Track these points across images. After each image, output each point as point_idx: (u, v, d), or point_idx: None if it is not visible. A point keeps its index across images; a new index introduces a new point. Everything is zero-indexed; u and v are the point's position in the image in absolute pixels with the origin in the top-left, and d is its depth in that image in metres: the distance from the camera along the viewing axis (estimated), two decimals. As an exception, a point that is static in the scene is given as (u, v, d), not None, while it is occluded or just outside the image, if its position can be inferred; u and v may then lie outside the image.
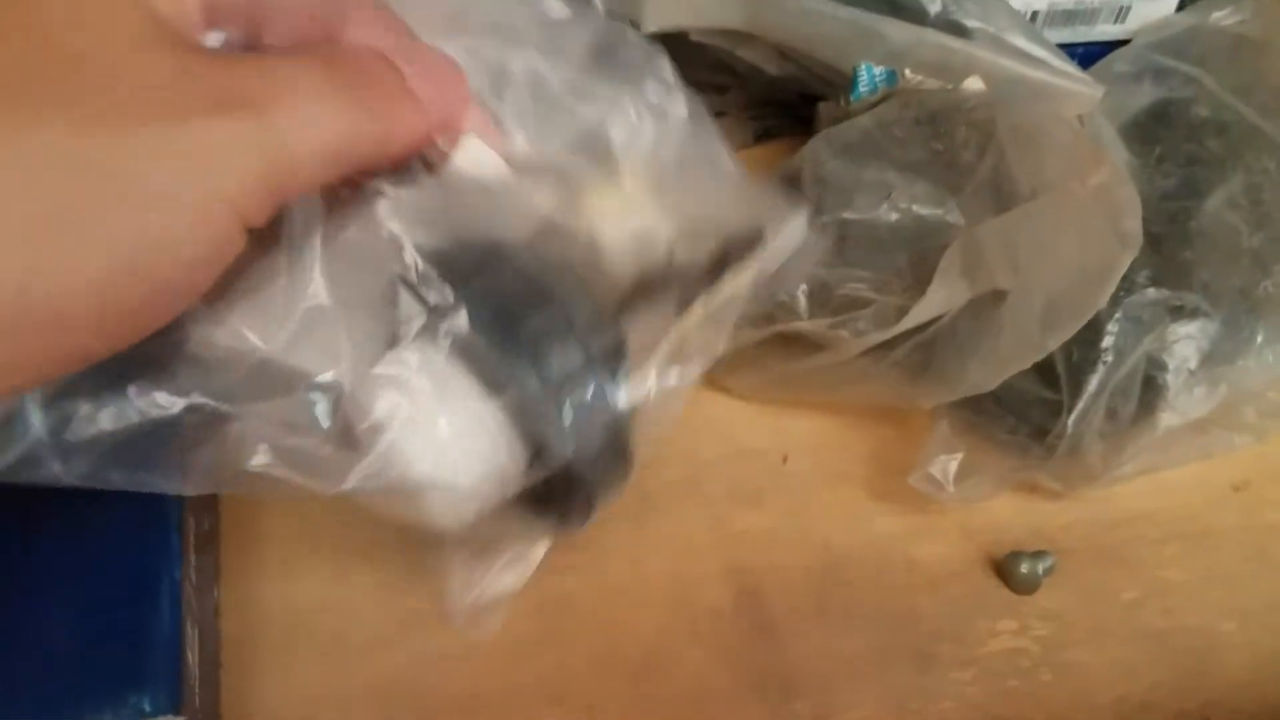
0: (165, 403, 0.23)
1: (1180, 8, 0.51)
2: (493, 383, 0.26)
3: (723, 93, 0.54)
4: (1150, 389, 0.40)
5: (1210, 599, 0.42)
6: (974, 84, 0.42)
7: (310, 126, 0.22)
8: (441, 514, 0.27)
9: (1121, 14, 0.50)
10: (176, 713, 0.29)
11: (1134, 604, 0.41)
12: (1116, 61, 0.49)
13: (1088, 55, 0.50)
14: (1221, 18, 0.48)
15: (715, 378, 0.45)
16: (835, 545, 0.42)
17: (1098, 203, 0.36)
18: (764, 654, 0.40)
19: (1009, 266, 0.39)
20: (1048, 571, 0.41)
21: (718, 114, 0.53)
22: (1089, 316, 0.37)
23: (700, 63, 0.52)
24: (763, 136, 0.54)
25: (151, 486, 0.24)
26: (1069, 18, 0.50)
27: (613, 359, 0.27)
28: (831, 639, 0.40)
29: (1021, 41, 0.44)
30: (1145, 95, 0.46)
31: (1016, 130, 0.39)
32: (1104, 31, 0.51)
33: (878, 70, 0.44)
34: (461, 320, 0.25)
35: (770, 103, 0.53)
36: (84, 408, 0.23)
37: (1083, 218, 0.36)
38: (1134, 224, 0.35)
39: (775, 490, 0.43)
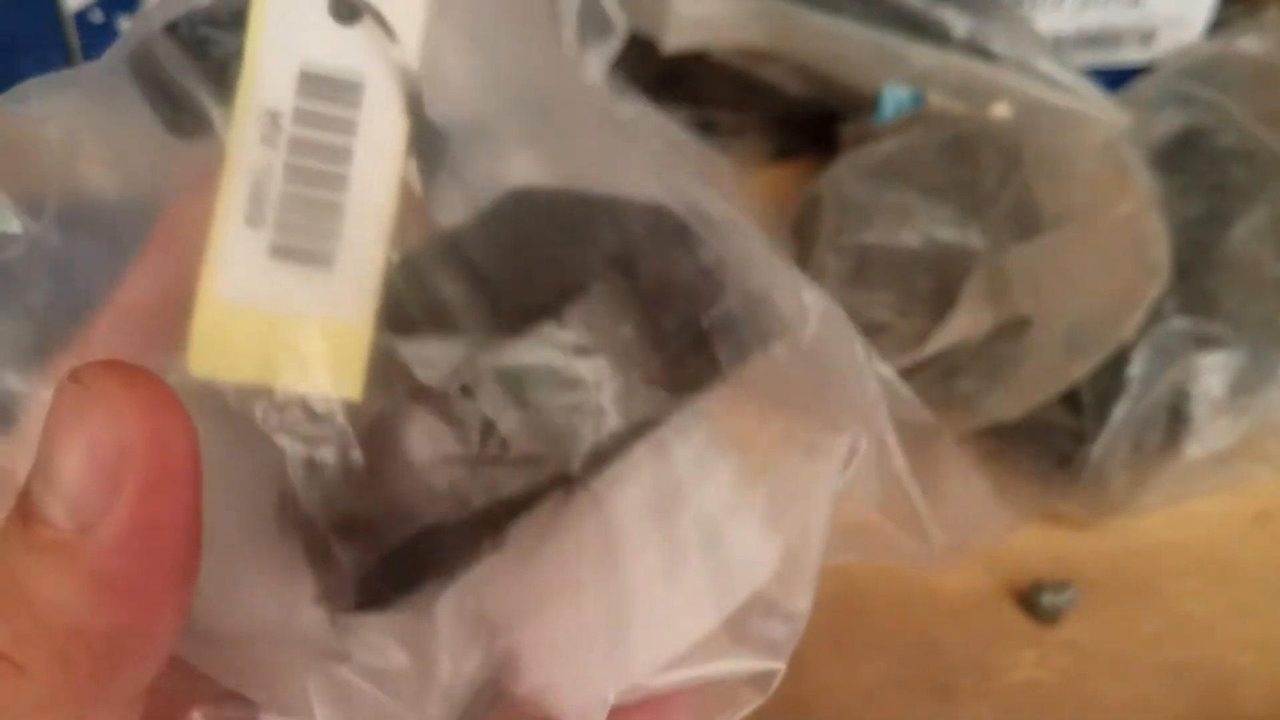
0: None
1: (1206, 33, 0.50)
2: None
3: (742, 111, 0.54)
4: (1176, 419, 0.40)
5: (1230, 632, 0.41)
6: (1000, 110, 0.42)
7: None
8: None
9: (1147, 39, 0.50)
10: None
11: (1155, 636, 0.41)
12: (1142, 87, 0.49)
13: (1113, 79, 0.50)
14: (1247, 45, 0.48)
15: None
16: (855, 573, 0.42)
17: (1125, 232, 0.35)
18: (782, 683, 0.39)
19: (1034, 294, 0.38)
20: (1070, 603, 0.40)
21: (736, 133, 0.53)
22: (1115, 346, 0.36)
23: (720, 81, 0.52)
24: (781, 154, 0.54)
25: None
26: (1094, 42, 0.50)
27: None
28: (851, 669, 0.39)
29: (1047, 66, 0.44)
30: (1170, 122, 0.46)
31: (1042, 157, 0.39)
32: (1129, 56, 0.51)
33: (902, 92, 0.44)
34: None
35: (789, 121, 0.53)
36: None
37: (1109, 247, 0.36)
38: (1161, 254, 0.35)
39: (793, 515, 0.43)
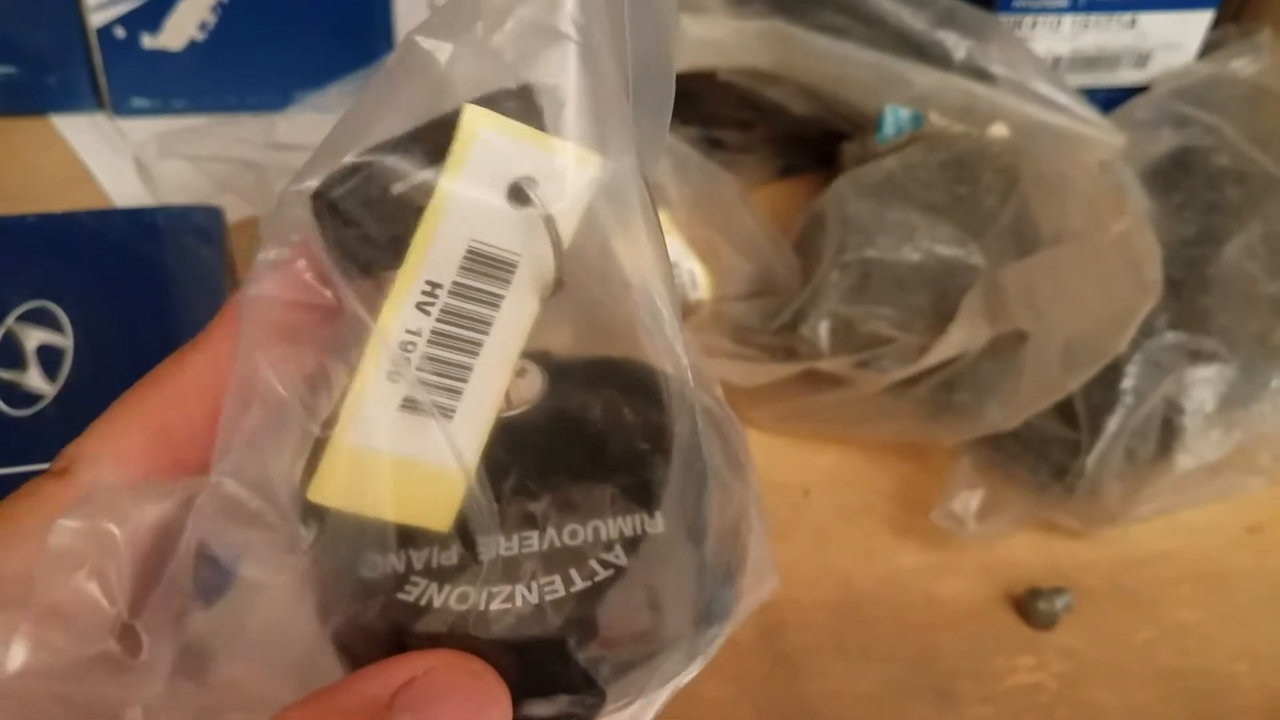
0: None
1: (1200, 56, 0.52)
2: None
3: (747, 129, 0.55)
4: (1168, 431, 0.41)
5: (1223, 640, 0.42)
6: (999, 130, 0.43)
7: None
8: None
9: (1142, 61, 0.51)
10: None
11: (1150, 643, 0.42)
12: (1137, 108, 0.50)
13: (1108, 100, 0.51)
14: (1241, 67, 0.49)
15: (738, 410, 0.46)
16: (855, 580, 0.43)
17: (1120, 250, 0.37)
18: (784, 689, 0.40)
19: (1031, 308, 0.39)
20: (1066, 608, 0.41)
21: (742, 150, 0.54)
22: (1109, 359, 0.37)
23: (726, 100, 0.53)
24: (786, 172, 0.55)
25: None
26: (1091, 63, 0.51)
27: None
28: (851, 674, 0.40)
29: (1045, 88, 0.45)
30: (1165, 142, 0.47)
31: (1040, 177, 0.40)
32: (1125, 77, 0.52)
33: (903, 113, 0.45)
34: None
35: (794, 139, 0.54)
36: None
37: (1105, 264, 0.37)
38: (1155, 272, 0.36)
39: (797, 524, 0.44)
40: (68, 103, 0.54)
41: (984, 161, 0.42)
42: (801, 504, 0.45)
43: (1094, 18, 0.50)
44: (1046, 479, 0.42)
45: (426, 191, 0.18)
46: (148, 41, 0.52)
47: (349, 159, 0.18)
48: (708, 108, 0.53)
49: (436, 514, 0.19)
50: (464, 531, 0.19)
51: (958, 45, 0.45)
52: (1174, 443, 0.41)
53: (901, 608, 0.42)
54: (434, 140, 0.18)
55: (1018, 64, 0.45)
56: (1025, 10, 0.49)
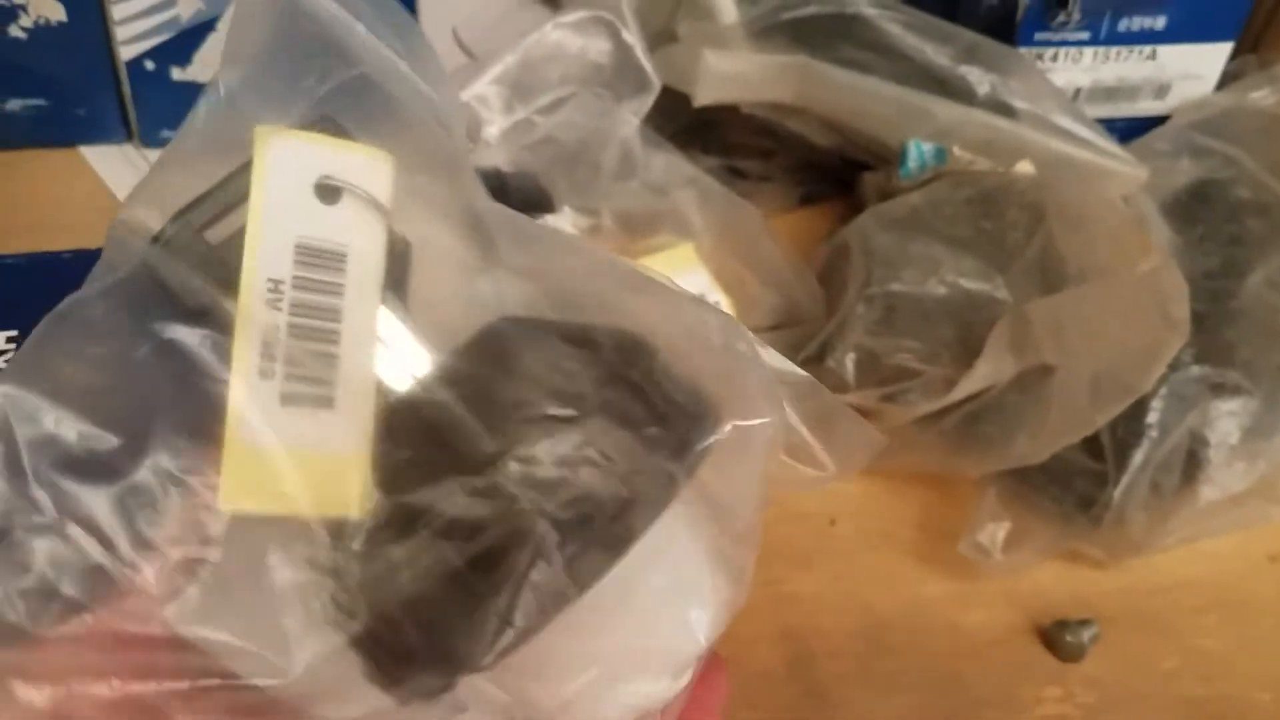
0: None
1: (1219, 87, 0.52)
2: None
3: (768, 158, 0.55)
4: (1192, 463, 0.41)
5: (1246, 668, 0.42)
6: (1025, 167, 0.43)
7: None
8: None
9: (1162, 92, 0.52)
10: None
11: (1173, 672, 0.42)
12: (1156, 140, 0.50)
13: (1127, 130, 0.51)
14: (1260, 98, 0.50)
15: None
16: (881, 610, 0.43)
17: (1146, 288, 0.37)
18: (809, 716, 0.40)
19: (1057, 344, 0.40)
20: (1093, 640, 0.41)
21: (763, 179, 0.55)
22: (1137, 396, 0.38)
23: (747, 128, 0.53)
24: (805, 200, 0.56)
25: None
26: (1110, 94, 0.51)
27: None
28: (877, 703, 0.41)
29: (1067, 122, 0.45)
30: (1184, 173, 0.47)
31: (1065, 211, 0.41)
32: (1145, 108, 0.52)
33: (927, 147, 0.45)
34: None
35: (814, 167, 0.55)
36: None
37: (1131, 302, 0.37)
38: (1182, 310, 0.36)
39: (823, 553, 0.44)
40: (97, 134, 0.55)
41: (1009, 197, 0.43)
42: (828, 533, 0.45)
43: (1114, 50, 0.50)
44: (1072, 510, 0.42)
45: (243, 201, 0.20)
46: (177, 74, 0.52)
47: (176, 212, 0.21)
48: (728, 137, 0.54)
49: (347, 501, 0.20)
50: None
51: (980, 80, 0.46)
52: (1198, 474, 0.41)
53: (927, 636, 0.42)
54: (241, 171, 0.21)
55: (1040, 98, 0.46)
56: (1047, 43, 0.49)
